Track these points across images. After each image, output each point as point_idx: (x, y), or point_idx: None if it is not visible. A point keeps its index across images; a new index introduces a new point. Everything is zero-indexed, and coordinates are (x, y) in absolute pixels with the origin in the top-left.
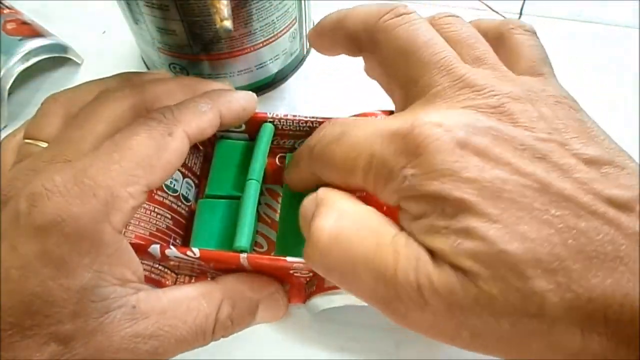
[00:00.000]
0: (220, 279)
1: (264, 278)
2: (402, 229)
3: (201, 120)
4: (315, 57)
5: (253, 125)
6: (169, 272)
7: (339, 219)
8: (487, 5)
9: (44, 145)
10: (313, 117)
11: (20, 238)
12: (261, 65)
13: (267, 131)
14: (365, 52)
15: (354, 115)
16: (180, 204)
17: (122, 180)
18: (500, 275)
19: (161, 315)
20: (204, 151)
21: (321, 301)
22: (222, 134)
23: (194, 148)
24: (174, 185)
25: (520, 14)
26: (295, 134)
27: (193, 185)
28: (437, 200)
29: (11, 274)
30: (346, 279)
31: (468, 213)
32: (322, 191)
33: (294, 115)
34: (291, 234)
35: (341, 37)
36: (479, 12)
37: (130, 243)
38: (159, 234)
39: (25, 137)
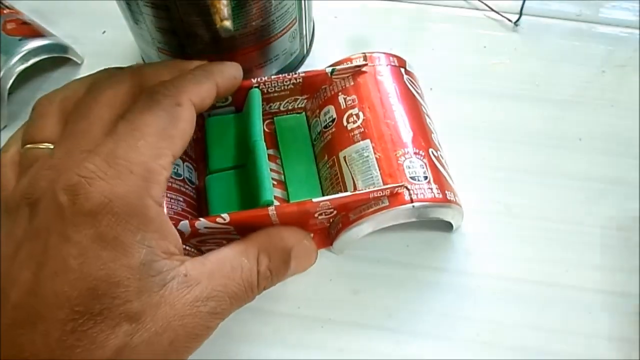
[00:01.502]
0: (251, 235)
1: (292, 228)
2: None
3: (201, 89)
4: (315, 57)
5: (239, 96)
6: (195, 251)
7: None
8: (487, 5)
9: (47, 146)
10: (295, 74)
11: (72, 227)
12: (261, 65)
13: (256, 95)
14: None
15: (334, 64)
16: (187, 186)
17: (151, 155)
18: None
19: (211, 278)
20: (194, 136)
21: (350, 235)
22: (209, 112)
23: None
24: (177, 170)
25: (520, 14)
26: (280, 95)
27: (193, 168)
28: None
29: (70, 264)
30: None
31: None
32: None
33: (277, 76)
34: (301, 184)
35: None
36: (479, 12)
37: None
38: (176, 217)
39: (25, 143)
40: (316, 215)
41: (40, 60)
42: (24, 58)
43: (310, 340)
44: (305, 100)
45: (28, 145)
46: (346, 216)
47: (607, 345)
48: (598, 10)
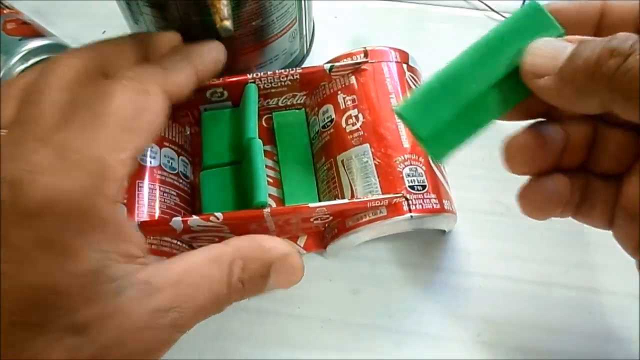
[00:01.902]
0: (230, 241)
1: (277, 240)
2: None
3: (177, 76)
4: (315, 57)
5: (235, 91)
6: (186, 247)
7: None
8: (487, 5)
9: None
10: (293, 69)
11: (9, 229)
12: (261, 65)
13: (252, 91)
14: None
15: (333, 60)
16: (181, 180)
17: (109, 148)
18: None
19: (175, 286)
20: (190, 130)
21: (345, 241)
22: (205, 106)
23: (181, 127)
24: (172, 164)
25: None
26: (277, 91)
27: (188, 162)
28: None
29: (6, 269)
30: None
31: None
32: None
33: (273, 72)
34: (297, 183)
35: None
36: (479, 12)
37: (151, 220)
38: (169, 212)
39: None
40: (312, 219)
41: (40, 60)
42: (24, 58)
43: (310, 340)
44: (305, 97)
45: None
46: (342, 222)
47: (607, 345)
48: None
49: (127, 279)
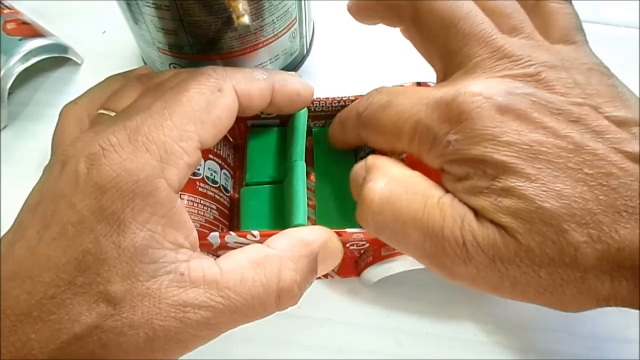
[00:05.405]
0: (272, 243)
1: (314, 229)
2: (446, 191)
3: (252, 84)
4: (315, 57)
5: None
6: (215, 258)
7: (389, 182)
8: None
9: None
10: (345, 96)
11: (78, 195)
12: (261, 66)
13: (302, 113)
14: (405, 22)
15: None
16: (222, 194)
17: (174, 136)
18: (537, 229)
19: (211, 285)
20: (233, 143)
21: (379, 270)
22: (252, 122)
23: (225, 140)
24: (214, 177)
25: None
26: (327, 115)
27: (229, 176)
28: (479, 163)
29: (68, 230)
30: (396, 237)
31: (508, 174)
32: (372, 158)
33: (327, 97)
34: (330, 208)
35: (383, 6)
36: None
37: None
38: (208, 225)
39: (101, 108)
40: (347, 245)
41: (40, 60)
42: (24, 58)
43: (310, 340)
44: None
45: (101, 110)
46: (378, 250)
47: (607, 345)
48: (598, 10)
49: (166, 265)
